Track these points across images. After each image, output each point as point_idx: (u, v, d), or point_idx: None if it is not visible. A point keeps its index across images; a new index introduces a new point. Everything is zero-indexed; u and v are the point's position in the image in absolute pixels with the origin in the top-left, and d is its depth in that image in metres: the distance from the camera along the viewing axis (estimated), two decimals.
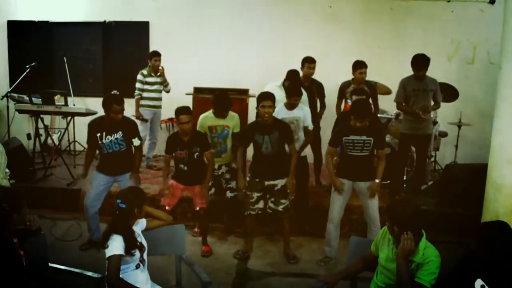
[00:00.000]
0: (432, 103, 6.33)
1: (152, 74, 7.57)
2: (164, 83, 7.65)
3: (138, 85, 7.50)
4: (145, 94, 7.53)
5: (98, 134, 5.06)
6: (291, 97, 5.56)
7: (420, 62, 6.07)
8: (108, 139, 5.07)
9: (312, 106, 6.39)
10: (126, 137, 5.13)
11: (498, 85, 4.69)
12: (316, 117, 6.55)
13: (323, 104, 6.77)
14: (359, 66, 6.41)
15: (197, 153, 5.17)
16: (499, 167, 4.67)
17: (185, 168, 5.25)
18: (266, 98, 5.03)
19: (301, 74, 6.50)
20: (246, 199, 5.32)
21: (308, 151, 6.11)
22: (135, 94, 7.49)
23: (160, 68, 7.55)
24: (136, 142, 5.23)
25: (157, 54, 7.56)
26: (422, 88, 6.17)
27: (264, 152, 5.14)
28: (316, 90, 6.60)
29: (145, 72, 7.55)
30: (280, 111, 5.51)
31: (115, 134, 5.07)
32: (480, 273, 2.98)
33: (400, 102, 6.40)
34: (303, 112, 5.69)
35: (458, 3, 8.14)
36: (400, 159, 6.53)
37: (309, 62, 6.51)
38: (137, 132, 5.30)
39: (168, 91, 7.72)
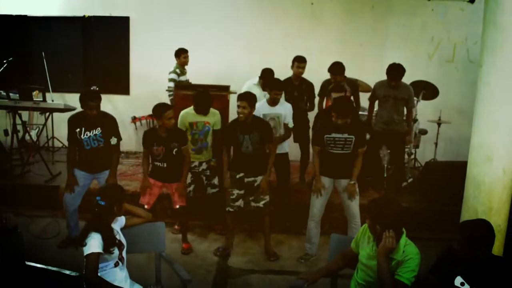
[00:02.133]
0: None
1: (183, 72, 7.56)
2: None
3: (172, 84, 7.32)
4: None
5: (78, 130, 5.00)
6: (271, 90, 5.58)
7: (395, 72, 6.06)
8: (87, 135, 5.00)
9: (302, 105, 6.39)
10: (105, 133, 5.06)
11: (478, 83, 4.71)
12: (305, 115, 6.56)
13: (311, 104, 6.73)
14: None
15: (175, 149, 5.12)
16: (478, 164, 4.69)
17: (163, 165, 5.18)
18: (241, 98, 5.09)
19: (291, 73, 6.51)
20: (227, 196, 5.30)
21: (292, 149, 6.11)
22: (171, 95, 7.27)
23: None
24: (113, 140, 5.13)
25: (185, 51, 7.55)
26: (393, 95, 6.21)
27: (244, 151, 5.14)
28: (306, 90, 6.59)
29: (178, 71, 7.51)
30: (262, 107, 5.52)
31: (94, 130, 5.01)
32: (460, 271, 3.01)
33: (371, 102, 6.53)
34: (284, 109, 5.69)
35: (439, 1, 8.20)
36: (374, 156, 6.55)
37: (298, 61, 6.46)
38: (116, 130, 5.19)
39: None
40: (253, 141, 5.11)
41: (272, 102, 5.61)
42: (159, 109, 5.06)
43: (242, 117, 5.05)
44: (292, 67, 6.51)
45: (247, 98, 5.08)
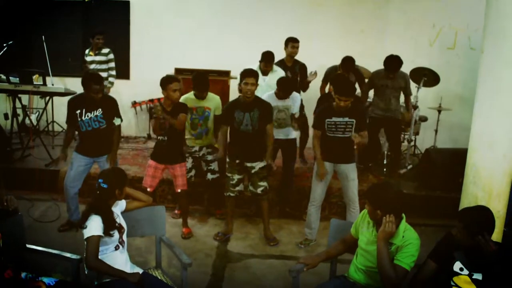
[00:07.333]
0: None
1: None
2: None
3: None
4: None
5: (78, 111, 4.99)
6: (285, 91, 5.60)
7: (392, 65, 6.20)
8: (87, 116, 4.99)
9: (294, 86, 6.39)
10: (106, 114, 5.05)
11: (479, 69, 4.69)
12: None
13: (306, 85, 6.74)
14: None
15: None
16: (478, 150, 4.68)
17: (164, 138, 5.17)
18: (250, 75, 4.99)
19: (284, 54, 6.52)
20: (226, 181, 5.31)
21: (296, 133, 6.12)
22: None
23: None
24: (116, 121, 5.15)
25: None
26: (391, 85, 6.32)
27: (243, 129, 5.09)
28: (299, 71, 6.59)
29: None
30: (270, 99, 5.47)
31: (95, 111, 5.00)
32: (459, 256, 3.03)
33: (366, 91, 6.67)
34: (293, 100, 5.67)
35: None
36: (373, 143, 6.58)
37: (293, 41, 6.52)
38: (117, 110, 5.20)
39: None
40: (253, 119, 5.07)
41: (283, 95, 5.60)
42: (165, 80, 5.04)
43: (250, 95, 5.01)
44: (286, 48, 6.55)
45: (256, 74, 5.03)
